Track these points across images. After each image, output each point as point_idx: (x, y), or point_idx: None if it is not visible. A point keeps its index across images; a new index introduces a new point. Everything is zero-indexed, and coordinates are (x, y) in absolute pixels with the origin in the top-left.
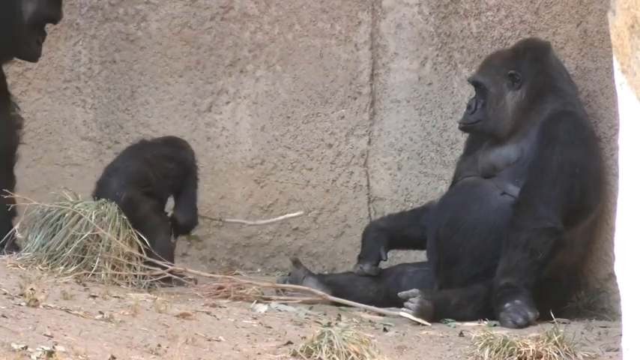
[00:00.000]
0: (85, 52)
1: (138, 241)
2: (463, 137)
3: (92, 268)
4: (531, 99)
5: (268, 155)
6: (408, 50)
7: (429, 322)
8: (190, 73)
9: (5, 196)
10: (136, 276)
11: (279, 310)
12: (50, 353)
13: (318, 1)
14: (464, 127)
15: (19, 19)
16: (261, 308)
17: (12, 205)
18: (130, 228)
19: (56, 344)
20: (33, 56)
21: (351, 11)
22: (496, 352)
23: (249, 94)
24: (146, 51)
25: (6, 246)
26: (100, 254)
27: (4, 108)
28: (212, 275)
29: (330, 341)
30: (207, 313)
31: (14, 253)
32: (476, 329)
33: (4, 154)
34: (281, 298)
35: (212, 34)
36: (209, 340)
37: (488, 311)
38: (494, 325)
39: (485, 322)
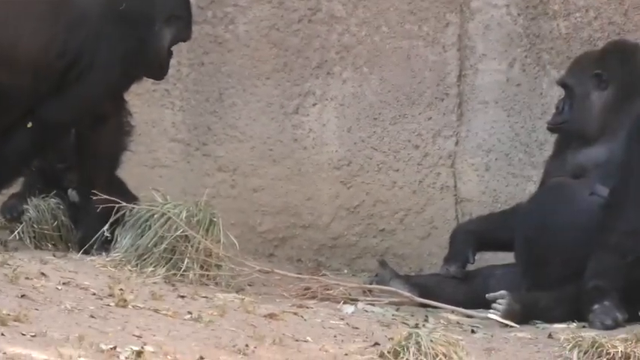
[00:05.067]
0: None
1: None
2: (552, 138)
3: (181, 268)
4: (620, 100)
5: (355, 157)
6: (496, 51)
7: (517, 323)
8: (277, 75)
9: (95, 197)
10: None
11: (366, 311)
12: (139, 353)
13: (406, 2)
14: (551, 127)
15: (161, 44)
16: (348, 309)
17: (101, 206)
18: (219, 229)
19: (145, 344)
20: (162, 75)
21: (438, 13)
22: (584, 353)
23: (336, 96)
24: (234, 53)
25: (95, 247)
26: (188, 255)
27: (118, 113)
28: (299, 276)
29: (417, 343)
30: (295, 314)
31: (103, 253)
32: (564, 331)
33: (109, 159)
34: (368, 299)
35: (299, 37)
36: (296, 340)
37: (576, 313)
38: (583, 327)
39: (574, 324)
